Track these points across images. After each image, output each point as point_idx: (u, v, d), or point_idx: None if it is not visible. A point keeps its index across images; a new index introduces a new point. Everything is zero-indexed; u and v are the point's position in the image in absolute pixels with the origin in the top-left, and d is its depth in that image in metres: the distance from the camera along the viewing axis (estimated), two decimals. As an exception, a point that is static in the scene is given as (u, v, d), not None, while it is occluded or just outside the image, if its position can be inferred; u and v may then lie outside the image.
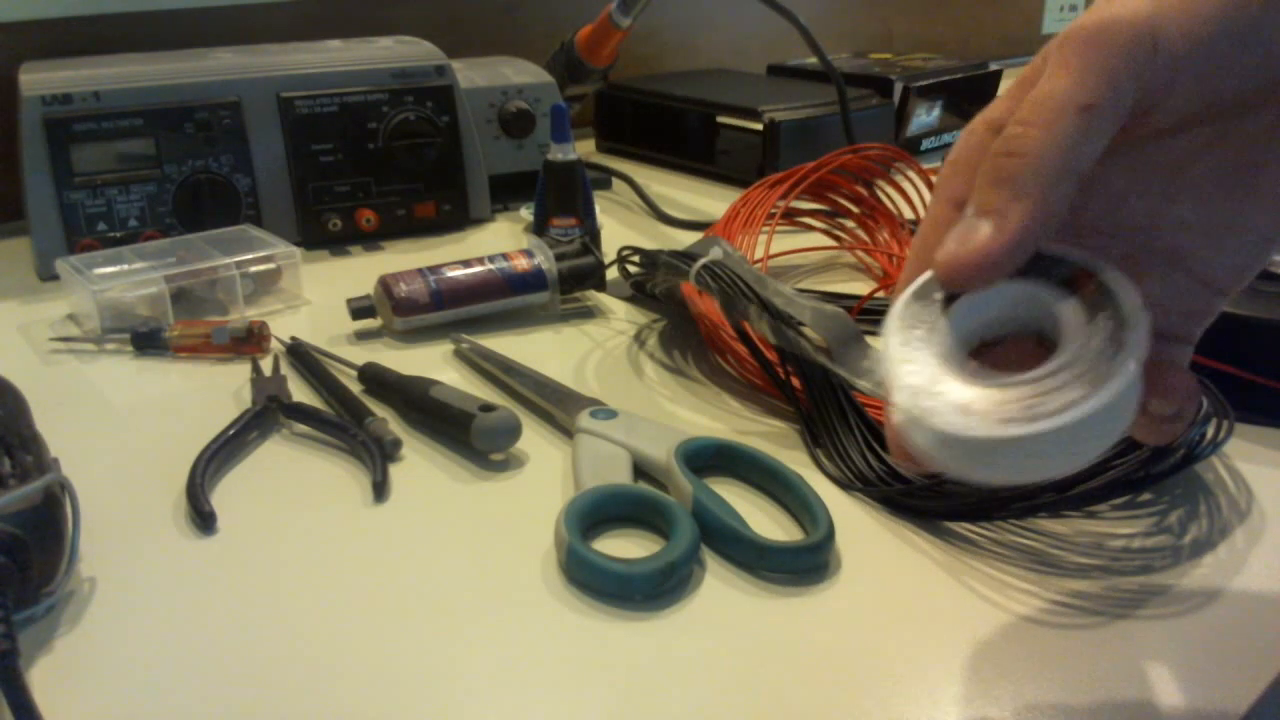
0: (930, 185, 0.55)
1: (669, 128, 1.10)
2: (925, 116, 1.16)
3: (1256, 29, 0.28)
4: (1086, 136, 0.28)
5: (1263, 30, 0.28)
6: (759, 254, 0.71)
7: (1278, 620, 0.41)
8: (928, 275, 0.31)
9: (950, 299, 0.30)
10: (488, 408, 0.53)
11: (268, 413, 0.57)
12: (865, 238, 0.80)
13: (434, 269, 0.68)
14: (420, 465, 0.53)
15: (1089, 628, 0.40)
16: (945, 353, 0.29)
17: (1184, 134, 0.31)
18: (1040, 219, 0.28)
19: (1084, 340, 0.28)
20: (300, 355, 0.63)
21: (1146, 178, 0.32)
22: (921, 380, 0.28)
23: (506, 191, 0.95)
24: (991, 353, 0.30)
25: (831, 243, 0.81)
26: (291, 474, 0.52)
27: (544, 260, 0.70)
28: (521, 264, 0.70)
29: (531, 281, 0.70)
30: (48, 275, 0.76)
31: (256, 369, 0.61)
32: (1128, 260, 0.32)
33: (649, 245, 0.74)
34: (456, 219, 0.90)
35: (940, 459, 0.28)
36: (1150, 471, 0.45)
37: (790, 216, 0.80)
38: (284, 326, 0.69)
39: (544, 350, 0.66)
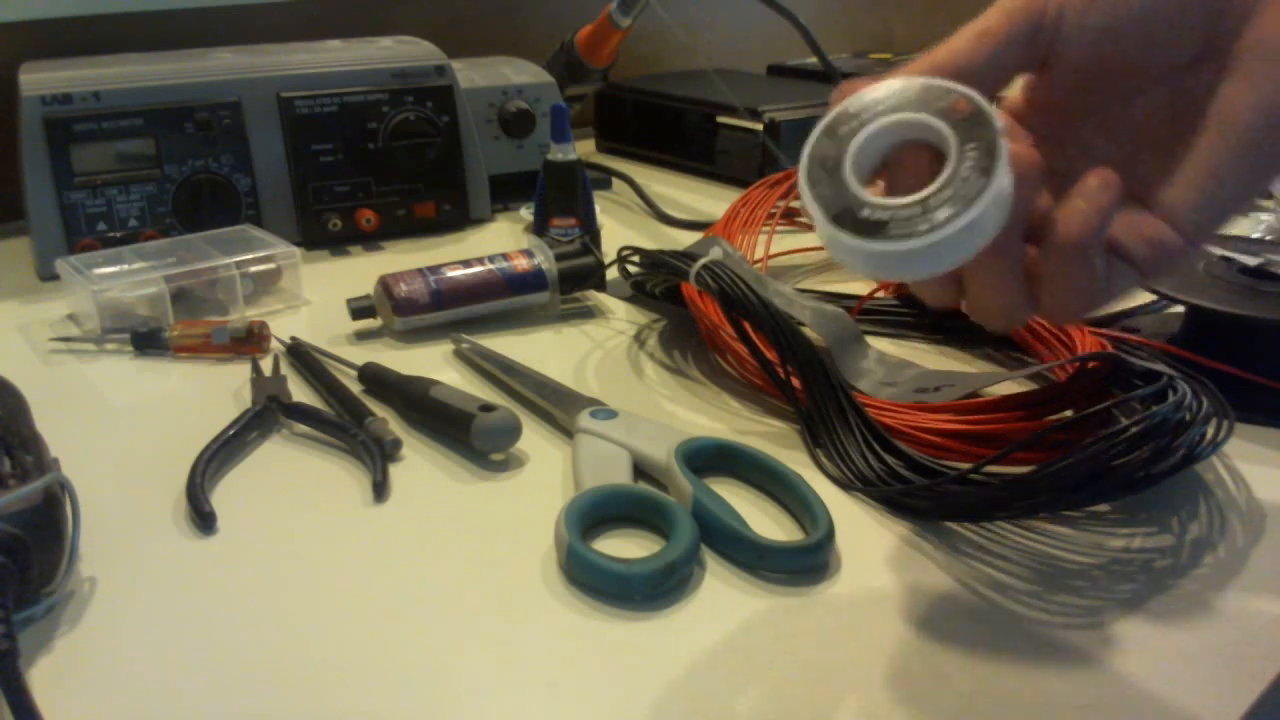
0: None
1: (669, 128, 1.11)
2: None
3: None
4: (980, 53, 0.35)
5: None
6: (759, 254, 0.71)
7: (1278, 620, 0.41)
8: (835, 111, 0.35)
9: (854, 134, 0.34)
10: (488, 408, 0.53)
11: (268, 413, 0.57)
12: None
13: (434, 269, 0.69)
14: (420, 465, 0.53)
15: (1089, 628, 0.40)
16: (851, 178, 0.34)
17: (1141, 95, 0.36)
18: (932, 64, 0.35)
19: (958, 163, 0.32)
20: (300, 355, 0.63)
21: (1116, 136, 0.37)
22: (831, 206, 0.34)
23: (506, 191, 0.95)
24: (900, 169, 0.35)
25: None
26: (291, 474, 0.52)
27: (544, 260, 0.70)
28: (521, 264, 0.70)
29: (531, 281, 0.70)
30: (48, 275, 0.76)
31: (256, 369, 0.61)
32: None
33: (649, 245, 0.74)
34: (456, 219, 0.90)
35: (852, 268, 0.34)
36: (1150, 471, 0.45)
37: (790, 216, 0.80)
38: (284, 326, 0.69)
39: (544, 350, 0.66)
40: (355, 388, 0.60)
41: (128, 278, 0.68)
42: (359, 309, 0.68)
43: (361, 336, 0.68)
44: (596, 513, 0.47)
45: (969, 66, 0.35)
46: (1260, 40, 0.33)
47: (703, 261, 0.59)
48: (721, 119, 1.04)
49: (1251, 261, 0.59)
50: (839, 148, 0.34)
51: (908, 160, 0.34)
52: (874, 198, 0.33)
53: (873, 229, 0.32)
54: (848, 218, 0.33)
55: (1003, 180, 0.31)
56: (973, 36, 0.35)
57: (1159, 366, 0.52)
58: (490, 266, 0.69)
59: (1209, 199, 0.34)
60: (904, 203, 0.32)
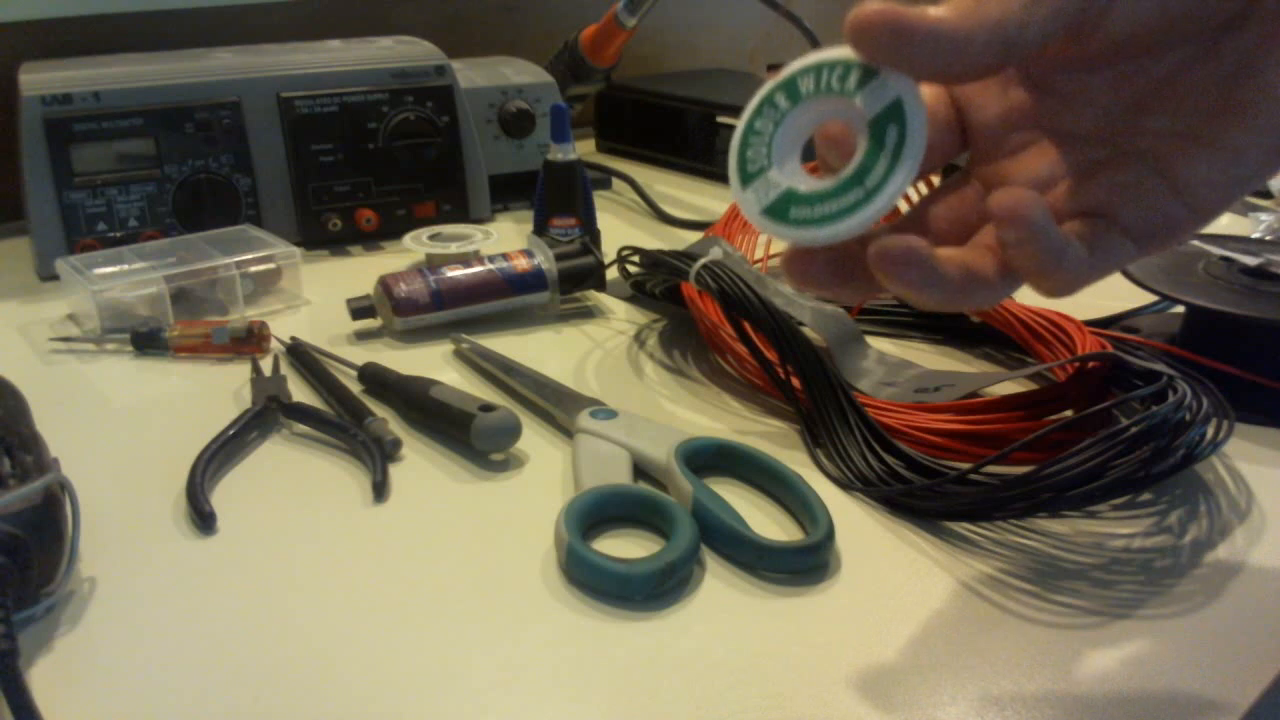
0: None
1: (669, 128, 1.10)
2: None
3: None
4: (1035, 15, 0.31)
5: None
6: (759, 254, 0.71)
7: (1278, 620, 0.41)
8: (766, 88, 0.34)
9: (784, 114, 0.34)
10: (488, 408, 0.53)
11: (268, 413, 0.57)
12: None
13: (434, 269, 0.69)
14: (420, 465, 0.53)
15: (1089, 628, 0.40)
16: (781, 155, 0.33)
17: (1168, 51, 0.33)
18: (969, 31, 0.31)
19: (870, 151, 0.31)
20: (300, 355, 0.63)
21: (1131, 91, 0.34)
22: (762, 189, 0.33)
23: (506, 191, 0.95)
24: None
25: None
26: (291, 474, 0.52)
27: (544, 260, 0.70)
28: (521, 264, 0.70)
29: (531, 281, 0.70)
30: (48, 275, 0.76)
31: (256, 369, 0.61)
32: (1106, 159, 0.34)
33: (649, 245, 0.74)
34: (456, 219, 0.90)
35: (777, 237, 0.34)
36: (1150, 471, 0.45)
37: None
38: (284, 326, 0.69)
39: (544, 350, 0.66)
40: (355, 388, 0.60)
41: (128, 278, 0.68)
42: (359, 309, 0.68)
43: (361, 336, 0.68)
44: (596, 513, 0.47)
45: (1019, 30, 0.31)
46: None
47: (703, 261, 0.59)
48: (721, 119, 1.04)
49: (1251, 261, 0.59)
50: (771, 127, 0.34)
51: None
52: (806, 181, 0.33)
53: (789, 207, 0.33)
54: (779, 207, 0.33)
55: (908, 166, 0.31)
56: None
57: (1159, 366, 0.52)
58: (490, 266, 0.69)
59: (1230, 179, 0.32)
60: (825, 185, 0.32)
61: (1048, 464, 0.45)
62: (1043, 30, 0.31)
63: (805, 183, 0.33)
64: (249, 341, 0.65)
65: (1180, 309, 0.63)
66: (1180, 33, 0.32)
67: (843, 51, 0.32)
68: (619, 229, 0.91)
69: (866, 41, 0.31)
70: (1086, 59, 0.34)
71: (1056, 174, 0.35)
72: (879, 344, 0.64)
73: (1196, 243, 0.62)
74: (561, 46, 1.04)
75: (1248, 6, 0.31)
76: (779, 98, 0.33)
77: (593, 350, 0.66)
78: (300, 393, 0.60)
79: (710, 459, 0.51)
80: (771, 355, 0.56)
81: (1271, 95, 0.31)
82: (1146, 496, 0.49)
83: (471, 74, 0.96)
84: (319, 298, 0.75)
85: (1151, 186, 0.33)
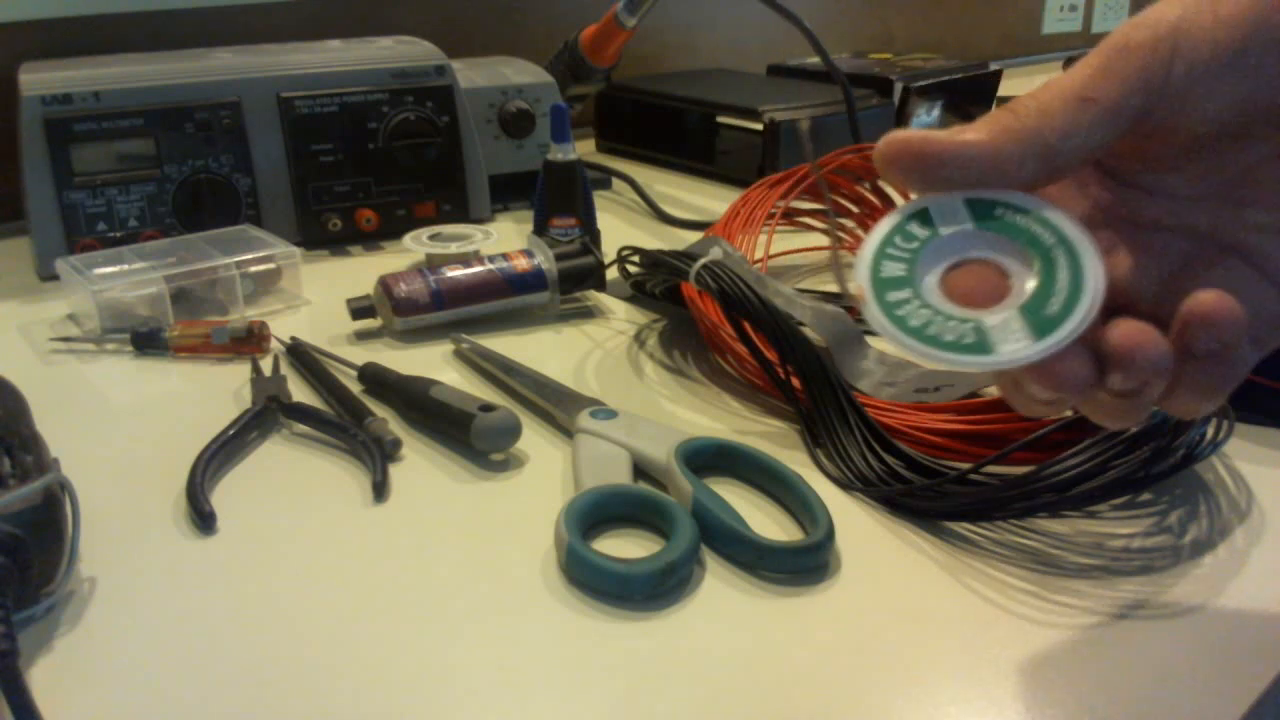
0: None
1: (669, 128, 1.10)
2: (925, 116, 1.16)
3: None
4: (1079, 123, 0.30)
5: None
6: (759, 254, 0.71)
7: (1278, 620, 0.41)
8: (907, 211, 0.32)
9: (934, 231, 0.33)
10: (488, 408, 0.53)
11: (268, 413, 0.57)
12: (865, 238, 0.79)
13: (434, 269, 0.69)
14: (420, 465, 0.53)
15: (1089, 628, 0.40)
16: (924, 274, 0.32)
17: (1251, 141, 0.31)
18: (1001, 146, 0.30)
19: (1033, 291, 0.30)
20: (300, 355, 0.63)
21: (1214, 184, 0.32)
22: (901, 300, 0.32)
23: (506, 191, 0.95)
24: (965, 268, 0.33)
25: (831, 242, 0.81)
26: (291, 474, 0.52)
27: (544, 260, 0.70)
28: (521, 264, 0.70)
29: (531, 281, 0.70)
30: (48, 275, 0.76)
31: (256, 369, 0.61)
32: (1194, 255, 0.32)
33: (649, 245, 0.74)
34: (456, 219, 0.90)
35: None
36: (1150, 471, 0.45)
37: (790, 216, 0.80)
38: (284, 326, 0.69)
39: (544, 350, 0.66)
40: (355, 388, 0.60)
41: (128, 278, 0.68)
42: (359, 309, 0.68)
43: (361, 336, 0.68)
44: (596, 513, 0.47)
45: (1062, 139, 0.30)
46: None
47: (703, 261, 0.59)
48: (721, 119, 1.04)
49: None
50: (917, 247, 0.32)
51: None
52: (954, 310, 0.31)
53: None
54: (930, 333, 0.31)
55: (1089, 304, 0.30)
56: (1073, 101, 0.30)
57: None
58: (490, 266, 0.69)
59: None
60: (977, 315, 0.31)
61: (1048, 464, 0.45)
62: (1089, 138, 0.30)
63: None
64: (249, 341, 0.65)
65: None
66: (1264, 123, 0.31)
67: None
68: (619, 229, 0.91)
69: (895, 172, 0.30)
70: (1166, 156, 0.32)
71: (1146, 276, 0.33)
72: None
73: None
74: (561, 46, 1.04)
75: None
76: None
77: (593, 350, 0.66)
78: (300, 393, 0.60)
79: (710, 459, 0.51)
80: (771, 355, 0.56)
81: None
82: (1146, 496, 0.49)
83: (471, 74, 0.96)
84: (319, 298, 0.75)
85: (1248, 279, 0.32)
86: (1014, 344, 0.30)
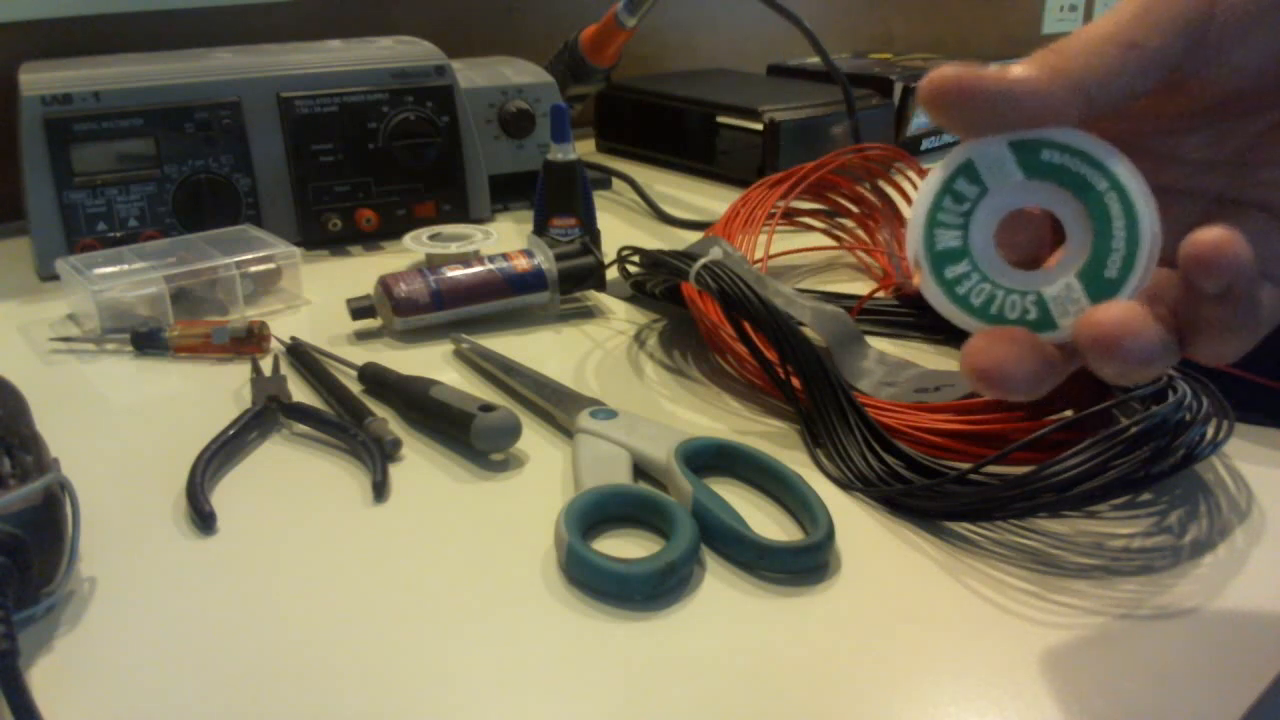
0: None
1: (669, 128, 1.10)
2: (925, 117, 1.16)
3: None
4: (1124, 68, 0.29)
5: None
6: (759, 254, 0.71)
7: (1278, 620, 0.41)
8: (951, 166, 0.31)
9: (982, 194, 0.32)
10: (488, 408, 0.53)
11: (268, 413, 0.57)
12: (865, 238, 0.80)
13: (434, 269, 0.69)
14: (420, 465, 0.53)
15: (1089, 628, 0.40)
16: (979, 240, 0.32)
17: (1269, 109, 0.32)
18: (1051, 84, 0.29)
19: (1091, 253, 0.30)
20: (300, 355, 0.63)
21: (1229, 149, 0.33)
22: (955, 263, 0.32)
23: (506, 191, 0.95)
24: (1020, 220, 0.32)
25: (831, 243, 0.81)
26: (291, 474, 0.52)
27: (544, 260, 0.70)
28: (521, 264, 0.70)
29: (531, 281, 0.70)
30: (48, 275, 0.76)
31: (256, 369, 0.61)
32: (1219, 213, 0.32)
33: (649, 245, 0.74)
34: (456, 219, 0.90)
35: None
36: (1150, 471, 0.45)
37: (790, 216, 0.80)
38: (284, 326, 0.69)
39: (544, 350, 0.66)
40: (355, 388, 0.60)
41: (128, 278, 0.68)
42: (359, 309, 0.68)
43: (361, 336, 0.68)
44: (596, 513, 0.47)
45: (1105, 84, 0.29)
46: None
47: (703, 261, 0.59)
48: (721, 119, 1.04)
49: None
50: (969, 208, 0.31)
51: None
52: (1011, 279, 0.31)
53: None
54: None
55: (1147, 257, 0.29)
56: (1119, 45, 0.29)
57: (1159, 366, 0.52)
58: (490, 266, 0.69)
59: None
60: (1031, 279, 0.30)
61: (1048, 464, 0.45)
62: (1129, 86, 0.30)
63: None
64: (249, 341, 0.65)
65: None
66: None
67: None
68: (619, 229, 0.91)
69: (939, 110, 0.30)
70: (1184, 117, 0.32)
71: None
72: (879, 344, 0.64)
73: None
74: (561, 46, 1.04)
75: None
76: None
77: (593, 350, 0.66)
78: (300, 393, 0.60)
79: (710, 459, 0.51)
80: (771, 355, 0.56)
81: None
82: (1146, 496, 0.49)
83: (471, 74, 0.96)
84: (319, 298, 0.75)
85: (1276, 230, 0.31)
86: (1075, 316, 0.30)
